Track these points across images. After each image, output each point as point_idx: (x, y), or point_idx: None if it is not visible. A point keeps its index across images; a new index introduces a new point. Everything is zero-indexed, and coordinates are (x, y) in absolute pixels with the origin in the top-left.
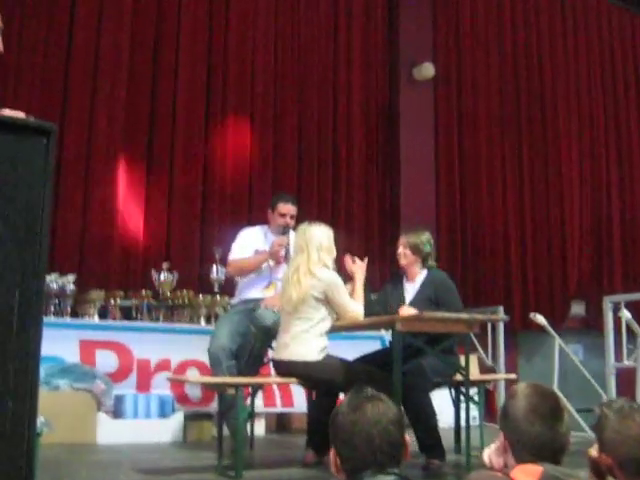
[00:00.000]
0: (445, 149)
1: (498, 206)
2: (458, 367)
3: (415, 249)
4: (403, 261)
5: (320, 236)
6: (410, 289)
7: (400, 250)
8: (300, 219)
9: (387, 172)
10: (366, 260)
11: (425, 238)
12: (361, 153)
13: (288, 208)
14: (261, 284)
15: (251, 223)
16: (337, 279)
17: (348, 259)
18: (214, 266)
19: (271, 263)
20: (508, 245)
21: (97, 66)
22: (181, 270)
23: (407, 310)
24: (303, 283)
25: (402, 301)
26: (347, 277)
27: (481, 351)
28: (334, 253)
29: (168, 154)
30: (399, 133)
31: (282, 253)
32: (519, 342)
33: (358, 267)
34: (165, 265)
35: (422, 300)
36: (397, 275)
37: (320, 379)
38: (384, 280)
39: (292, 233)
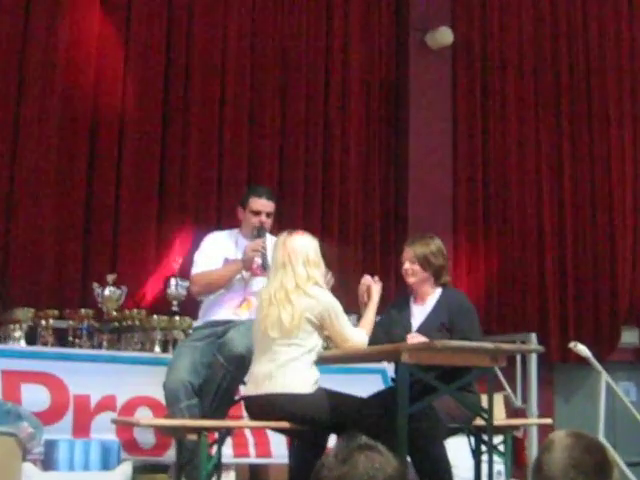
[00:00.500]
0: (465, 135)
1: (531, 208)
2: (479, 409)
3: (425, 263)
4: (411, 279)
5: (305, 248)
6: (418, 313)
7: (407, 266)
8: (282, 222)
9: (392, 163)
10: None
11: (435, 247)
12: (359, 138)
13: (262, 204)
14: (232, 302)
15: (220, 227)
16: (336, 302)
17: (367, 278)
18: (172, 280)
19: (245, 275)
20: (543, 257)
21: None
22: (131, 284)
23: (416, 338)
24: (296, 303)
25: (408, 328)
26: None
27: (508, 389)
28: (323, 268)
29: (117, 135)
30: (408, 114)
31: (258, 261)
32: (556, 378)
33: (377, 288)
34: (110, 278)
35: (433, 326)
36: (403, 296)
37: (310, 418)
38: (386, 302)
39: (270, 237)
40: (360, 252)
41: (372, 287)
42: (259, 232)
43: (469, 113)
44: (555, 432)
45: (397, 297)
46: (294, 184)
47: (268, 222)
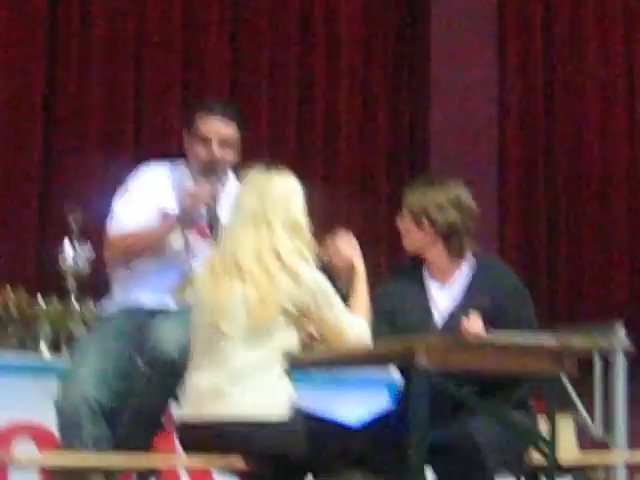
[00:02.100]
0: (517, 40)
1: (616, 148)
2: (537, 438)
3: (427, 218)
4: (405, 241)
5: (288, 200)
6: (441, 296)
7: (399, 220)
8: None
9: (404, 79)
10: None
11: (446, 196)
12: (354, 42)
13: (216, 126)
14: (166, 279)
15: (144, 158)
16: (324, 280)
17: (342, 239)
18: (67, 243)
19: (189, 238)
20: (635, 215)
21: None
22: (3, 251)
23: (474, 323)
24: (274, 281)
25: (426, 316)
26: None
27: (582, 409)
28: (308, 233)
29: None
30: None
31: (201, 214)
32: None
33: (353, 248)
34: None
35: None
36: (412, 266)
37: (280, 453)
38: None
39: (232, 180)
40: (356, 207)
41: (349, 252)
42: (207, 170)
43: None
44: None
45: (398, 268)
46: (277, 120)
47: (226, 155)
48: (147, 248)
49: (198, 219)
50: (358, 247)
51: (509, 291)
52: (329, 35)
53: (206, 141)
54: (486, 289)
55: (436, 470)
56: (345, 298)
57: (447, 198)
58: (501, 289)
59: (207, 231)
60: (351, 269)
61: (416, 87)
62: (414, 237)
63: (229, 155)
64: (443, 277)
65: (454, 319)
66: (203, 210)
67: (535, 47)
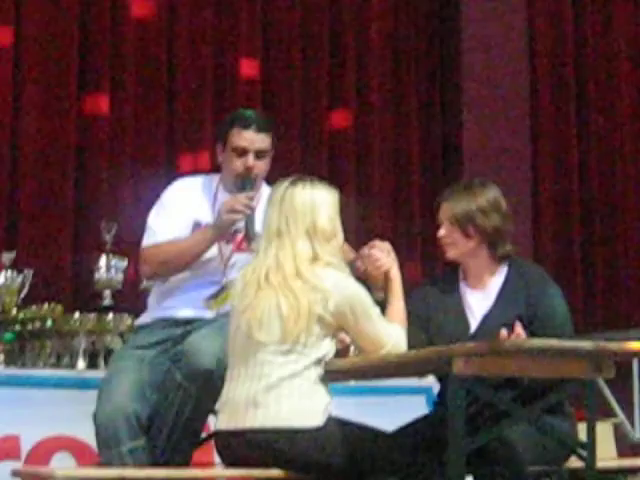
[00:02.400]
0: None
1: None
2: (575, 443)
3: (469, 225)
4: (451, 252)
5: (313, 208)
6: (477, 302)
7: (442, 232)
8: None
9: (435, 69)
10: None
11: (487, 200)
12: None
13: (250, 138)
14: (201, 290)
15: (177, 174)
16: (361, 289)
17: (376, 248)
18: (102, 258)
19: (224, 249)
20: None
21: None
22: (39, 266)
23: (518, 330)
24: (299, 292)
25: (463, 324)
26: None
27: (620, 414)
28: (340, 239)
29: None
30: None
31: (240, 228)
32: None
33: (389, 256)
34: (7, 257)
35: (503, 322)
36: (445, 275)
37: (317, 463)
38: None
39: (266, 190)
40: (388, 208)
41: (384, 260)
42: (244, 182)
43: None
44: None
45: (433, 277)
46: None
47: (260, 166)
48: (183, 259)
49: (234, 230)
50: (394, 255)
51: (547, 296)
52: (359, 48)
53: (242, 153)
54: (521, 293)
55: (475, 478)
56: (381, 307)
57: (489, 202)
58: (538, 294)
59: (243, 243)
60: (387, 278)
61: (449, 101)
62: (460, 246)
63: (264, 167)
64: (479, 282)
65: (489, 324)
66: (241, 221)
67: (567, 60)
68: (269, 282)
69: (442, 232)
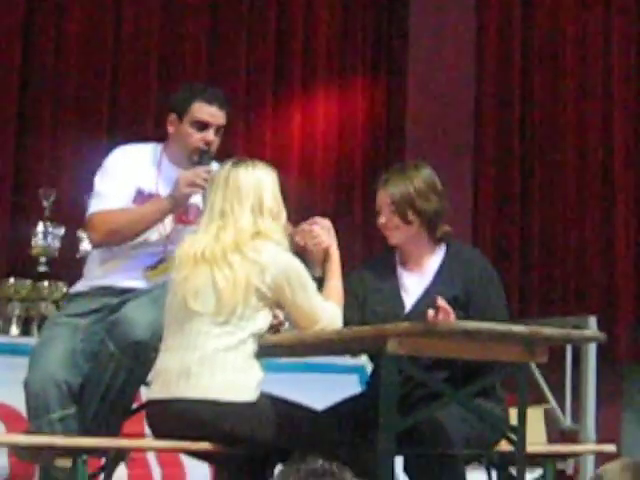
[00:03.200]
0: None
1: (596, 135)
2: (505, 427)
3: (408, 209)
4: (394, 237)
5: (257, 187)
6: (413, 284)
7: (382, 219)
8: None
9: (381, 54)
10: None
11: (424, 182)
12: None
13: (213, 113)
14: (142, 260)
15: (119, 142)
16: (299, 264)
17: (316, 224)
18: (40, 225)
19: (166, 221)
20: (612, 208)
21: None
22: None
23: (442, 304)
24: (237, 265)
25: (398, 304)
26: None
27: (552, 400)
28: (283, 218)
29: None
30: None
31: (195, 201)
32: (626, 386)
33: (329, 234)
34: None
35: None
36: (384, 254)
37: (248, 437)
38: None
39: (216, 167)
40: (331, 192)
41: (326, 235)
42: (202, 157)
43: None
44: (608, 465)
45: (370, 258)
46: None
47: (217, 142)
48: (134, 228)
49: (188, 204)
50: (334, 233)
51: (483, 278)
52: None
53: (203, 127)
54: (458, 275)
55: (405, 458)
56: (319, 284)
57: (426, 184)
58: (474, 275)
59: (184, 215)
60: (326, 255)
61: (394, 78)
62: (401, 231)
63: (218, 142)
64: (416, 264)
65: (424, 305)
66: (196, 194)
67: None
68: (205, 257)
69: (383, 219)
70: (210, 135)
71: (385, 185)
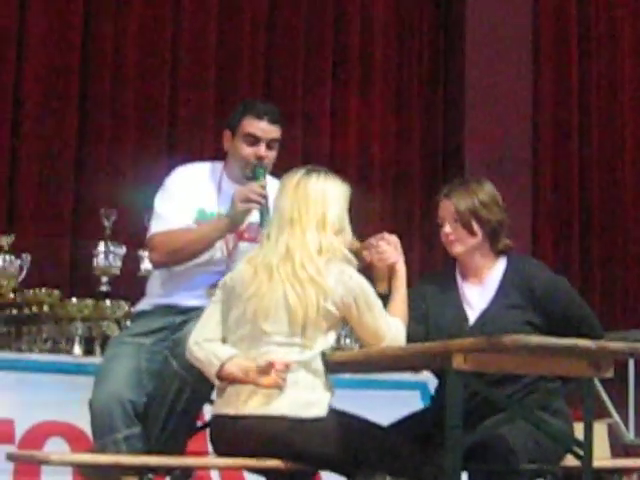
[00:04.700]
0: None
1: None
2: (570, 442)
3: (473, 221)
4: (458, 248)
5: (326, 199)
6: (475, 295)
7: (447, 229)
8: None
9: (439, 67)
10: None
11: (487, 195)
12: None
13: (263, 128)
14: (205, 279)
15: (179, 161)
16: (365, 282)
17: (384, 240)
18: (101, 245)
19: (228, 239)
20: None
21: None
22: (37, 251)
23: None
24: (309, 284)
25: (463, 319)
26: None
27: (615, 415)
28: (347, 231)
29: None
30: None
31: (254, 217)
32: None
33: (396, 249)
34: (5, 240)
35: (506, 314)
36: (444, 268)
37: (317, 454)
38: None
39: (272, 181)
40: (388, 205)
41: (393, 251)
42: (256, 171)
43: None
44: None
45: (431, 272)
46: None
47: (270, 156)
48: (194, 248)
49: (247, 220)
50: (401, 249)
51: (546, 284)
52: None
53: (255, 141)
54: (519, 286)
55: (470, 473)
56: (383, 300)
57: (489, 196)
58: (533, 285)
59: (246, 233)
60: (392, 271)
61: (451, 93)
62: (466, 242)
63: (273, 155)
64: (477, 276)
65: (488, 317)
66: (255, 211)
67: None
68: (279, 271)
69: (447, 229)
70: (261, 149)
71: (449, 195)
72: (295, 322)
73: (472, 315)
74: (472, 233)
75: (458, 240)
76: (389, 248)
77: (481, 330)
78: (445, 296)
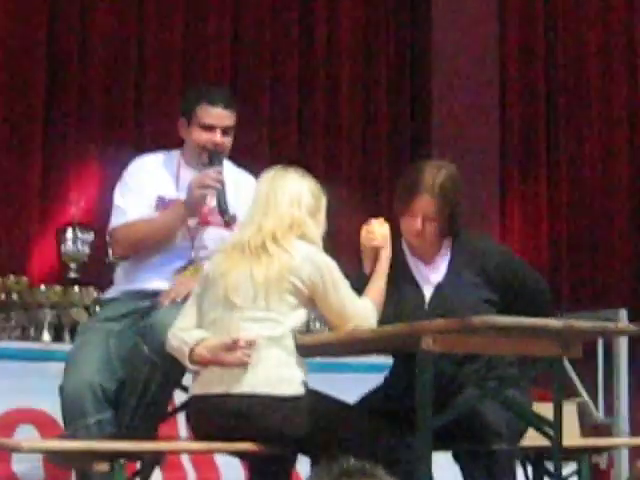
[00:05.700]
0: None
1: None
2: (538, 421)
3: (449, 221)
4: (422, 241)
5: (303, 187)
6: (429, 272)
7: (418, 224)
8: (252, 153)
9: (406, 53)
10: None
11: (449, 178)
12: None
13: (218, 114)
14: (171, 262)
15: (146, 147)
16: (333, 263)
17: (375, 222)
18: (69, 231)
19: (191, 224)
20: (637, 208)
21: None
22: (5, 238)
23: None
24: (275, 255)
25: (420, 295)
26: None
27: (584, 394)
28: (322, 222)
29: None
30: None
31: (211, 202)
32: None
33: (385, 237)
34: None
35: (465, 292)
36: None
37: (290, 434)
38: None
39: (230, 167)
40: (357, 191)
41: (379, 238)
42: (213, 158)
43: None
44: None
45: None
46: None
47: (226, 143)
48: (156, 238)
49: (205, 205)
50: (389, 240)
51: (498, 260)
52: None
53: (210, 129)
54: (471, 263)
55: (455, 455)
56: (366, 281)
57: (454, 180)
58: (488, 260)
59: (209, 216)
60: (377, 256)
61: (418, 66)
62: (431, 237)
63: (229, 141)
64: (427, 254)
65: (445, 297)
66: (210, 195)
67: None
68: (250, 245)
69: (418, 226)
70: (217, 136)
71: (422, 192)
72: (259, 290)
73: (427, 291)
74: (441, 233)
75: (423, 237)
76: (380, 230)
77: (440, 310)
78: (399, 276)
